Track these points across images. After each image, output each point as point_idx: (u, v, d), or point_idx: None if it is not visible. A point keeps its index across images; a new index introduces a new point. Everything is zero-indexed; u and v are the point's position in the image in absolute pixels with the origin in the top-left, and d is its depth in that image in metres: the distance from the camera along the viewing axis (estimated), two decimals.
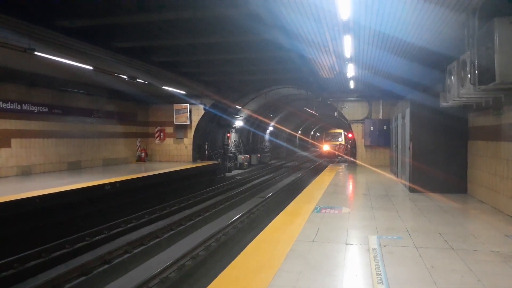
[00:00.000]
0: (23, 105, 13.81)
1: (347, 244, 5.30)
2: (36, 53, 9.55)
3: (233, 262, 4.49)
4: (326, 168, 17.09)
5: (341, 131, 42.43)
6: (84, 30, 9.71)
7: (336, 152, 40.40)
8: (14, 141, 13.50)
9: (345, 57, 9.99)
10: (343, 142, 41.18)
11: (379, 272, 4.17)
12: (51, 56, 10.10)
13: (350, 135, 24.43)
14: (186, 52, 12.35)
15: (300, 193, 10.27)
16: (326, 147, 42.72)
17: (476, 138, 8.80)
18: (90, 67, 11.59)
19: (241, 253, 4.85)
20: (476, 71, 5.71)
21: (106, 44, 10.90)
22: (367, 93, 17.32)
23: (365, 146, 17.96)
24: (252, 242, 5.34)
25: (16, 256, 8.00)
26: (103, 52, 11.20)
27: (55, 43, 9.89)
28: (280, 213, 7.31)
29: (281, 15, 7.14)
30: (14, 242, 8.88)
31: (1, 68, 11.98)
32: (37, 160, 14.44)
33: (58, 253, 8.69)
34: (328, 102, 18.94)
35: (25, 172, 13.87)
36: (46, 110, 14.74)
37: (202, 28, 9.85)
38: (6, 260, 7.79)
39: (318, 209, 7.70)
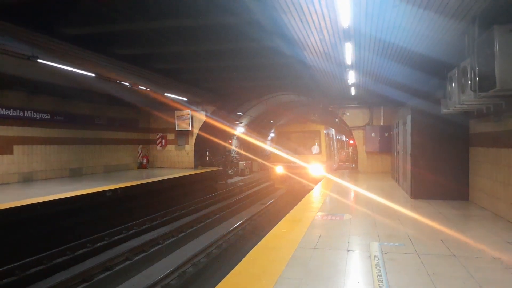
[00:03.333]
0: (25, 112, 13.89)
1: (348, 251, 5.29)
2: (38, 60, 9.63)
3: (234, 269, 4.48)
4: (328, 175, 17.05)
5: (320, 128, 18.45)
6: (86, 38, 9.78)
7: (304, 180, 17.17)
8: (16, 148, 13.55)
9: (346, 64, 10.03)
10: (323, 155, 17.66)
11: (381, 279, 4.15)
12: (53, 63, 10.18)
13: (351, 142, 24.36)
14: (187, 59, 12.42)
15: (301, 199, 10.25)
16: (279, 169, 17.70)
17: (477, 145, 8.80)
18: (92, 74, 11.67)
19: (243, 260, 4.84)
20: (477, 78, 5.73)
21: (108, 51, 10.97)
22: (368, 99, 17.35)
23: (367, 152, 17.95)
24: (254, 249, 5.33)
25: (17, 263, 8.00)
26: (105, 59, 11.27)
27: (57, 51, 9.97)
28: (282, 220, 7.30)
29: (282, 22, 7.19)
30: (16, 249, 8.88)
31: (4, 75, 12.07)
32: (39, 167, 14.48)
33: (59, 260, 8.69)
34: (329, 108, 18.98)
35: (27, 179, 13.89)
36: (48, 117, 14.81)
37: (203, 35, 9.92)
38: (7, 267, 7.79)
39: (319, 215, 7.69)
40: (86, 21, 8.94)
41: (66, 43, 9.69)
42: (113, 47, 10.86)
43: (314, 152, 17.58)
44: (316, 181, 14.92)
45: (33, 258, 8.37)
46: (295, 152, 17.48)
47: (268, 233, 6.23)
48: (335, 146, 23.81)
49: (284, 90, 20.17)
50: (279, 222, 7.08)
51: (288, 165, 17.24)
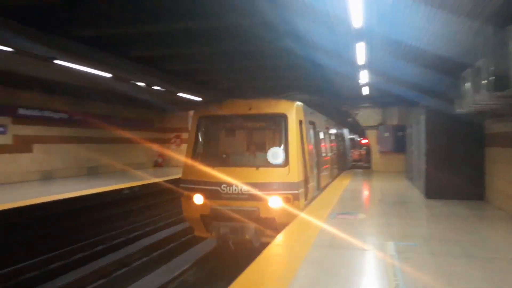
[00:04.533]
0: (45, 111, 14.25)
1: (363, 250, 5.31)
2: (56, 61, 9.90)
3: (248, 268, 4.50)
4: (341, 175, 17.01)
5: (288, 109, 8.17)
6: (103, 40, 10.01)
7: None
8: (35, 147, 13.91)
9: (358, 64, 10.02)
10: (292, 170, 7.69)
11: (397, 279, 4.15)
12: (70, 64, 10.43)
13: (365, 141, 24.11)
14: (200, 61, 12.57)
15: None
16: (198, 199, 7.79)
17: (492, 145, 8.71)
18: (109, 75, 11.91)
19: (256, 259, 4.87)
20: (491, 78, 5.70)
21: (124, 53, 11.20)
22: (381, 99, 17.23)
23: (380, 152, 17.85)
24: (267, 248, 5.36)
25: (38, 258, 8.27)
26: (121, 60, 11.51)
27: (74, 52, 10.21)
28: (295, 219, 7.30)
29: (294, 23, 7.25)
30: (35, 245, 9.18)
31: (24, 76, 12.39)
32: (58, 165, 14.83)
33: (77, 256, 8.95)
34: (342, 108, 18.92)
35: (46, 177, 14.25)
36: (66, 116, 15.16)
37: (216, 36, 10.03)
38: (27, 262, 8.07)
39: (333, 215, 7.68)
40: (102, 24, 9.14)
41: (82, 45, 9.94)
42: (129, 48, 11.08)
43: (273, 162, 7.98)
44: (281, 225, 7.15)
45: (52, 254, 8.67)
46: (230, 161, 8.72)
47: (282, 232, 6.26)
48: (347, 146, 20.10)
49: (296, 90, 20.14)
50: (293, 221, 7.08)
51: (217, 190, 7.75)
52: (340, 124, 18.52)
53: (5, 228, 8.89)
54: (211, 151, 8.95)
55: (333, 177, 14.03)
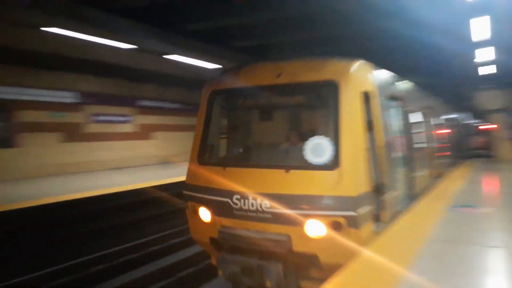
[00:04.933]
0: (161, 102, 15.90)
1: (490, 247, 4.72)
2: (168, 56, 10.91)
3: (358, 258, 4.16)
4: (456, 166, 15.27)
5: (341, 74, 4.83)
6: (207, 32, 10.69)
7: None
8: (154, 134, 15.66)
9: (477, 41, 8.89)
10: (350, 171, 4.47)
11: None
12: (183, 58, 11.38)
13: (489, 127, 21.29)
14: (299, 48, 12.56)
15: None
16: (205, 215, 5.20)
17: None
18: (216, 66, 12.69)
19: (368, 247, 4.47)
20: None
21: (227, 44, 11.82)
22: (507, 79, 14.98)
23: (507, 138, 15.65)
24: (375, 242, 4.77)
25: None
26: (224, 51, 12.16)
27: (183, 46, 11.11)
28: (407, 212, 6.70)
29: (403, 3, 6.78)
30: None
31: (143, 71, 13.96)
32: (173, 151, 16.47)
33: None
34: (459, 90, 17.03)
35: (164, 161, 15.95)
36: (179, 106, 16.68)
37: (314, 23, 9.92)
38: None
39: (453, 208, 6.90)
40: (206, 17, 9.76)
41: (191, 39, 10.76)
42: (232, 39, 11.64)
43: (313, 162, 4.75)
44: (328, 266, 4.41)
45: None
46: (247, 159, 6.11)
47: (391, 226, 5.72)
48: (464, 133, 17.24)
49: (406, 73, 18.74)
50: (404, 215, 6.50)
51: (227, 203, 4.93)
52: (453, 107, 15.42)
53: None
54: (222, 143, 6.29)
55: (442, 172, 11.02)
